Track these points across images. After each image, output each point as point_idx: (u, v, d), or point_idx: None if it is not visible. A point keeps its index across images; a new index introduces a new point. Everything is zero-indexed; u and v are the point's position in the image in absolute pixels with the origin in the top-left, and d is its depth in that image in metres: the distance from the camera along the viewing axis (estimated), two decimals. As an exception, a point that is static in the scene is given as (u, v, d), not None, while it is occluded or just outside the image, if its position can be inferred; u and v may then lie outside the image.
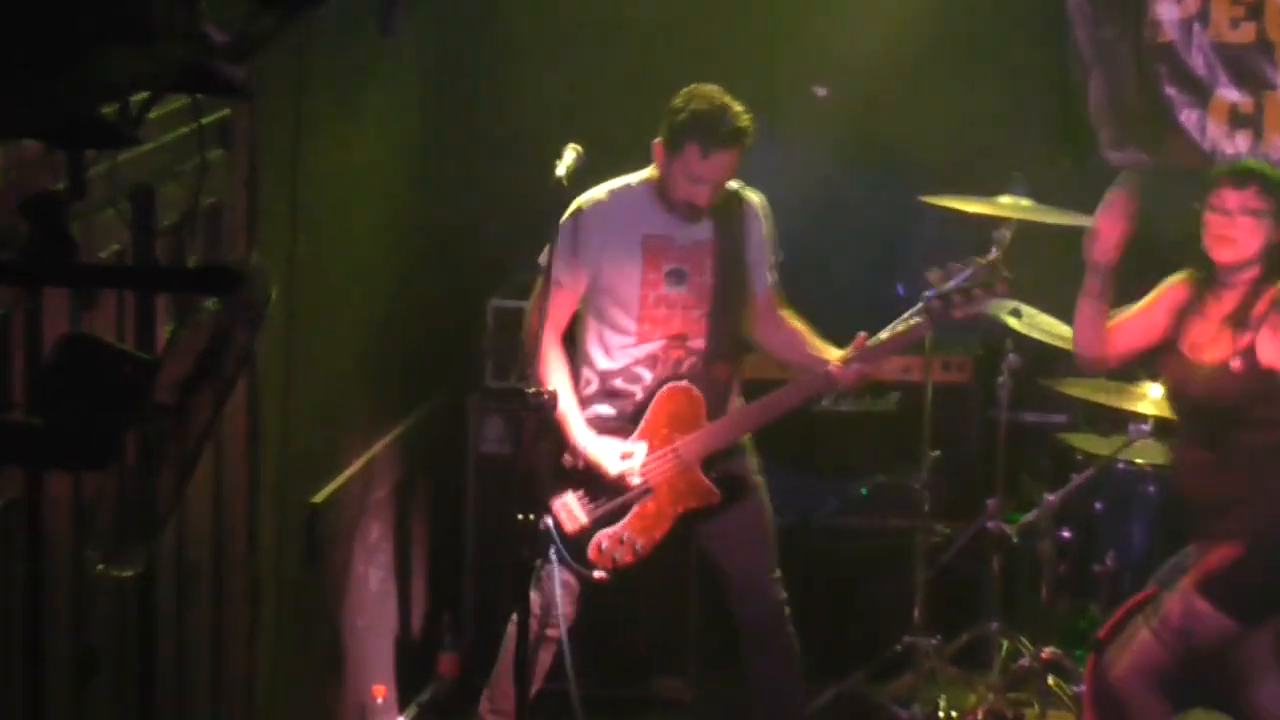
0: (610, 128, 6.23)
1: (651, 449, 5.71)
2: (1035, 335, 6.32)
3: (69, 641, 4.05)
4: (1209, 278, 5.51)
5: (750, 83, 5.83)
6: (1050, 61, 7.26)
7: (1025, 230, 6.02)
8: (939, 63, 7.15)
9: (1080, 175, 6.99)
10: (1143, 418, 6.26)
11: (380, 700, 6.18)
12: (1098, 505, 6.58)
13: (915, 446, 6.39)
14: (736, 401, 5.84)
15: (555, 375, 5.63)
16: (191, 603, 4.66)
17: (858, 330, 5.72)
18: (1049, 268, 6.04)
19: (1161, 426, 6.16)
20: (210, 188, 4.49)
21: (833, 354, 5.71)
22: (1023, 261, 5.85)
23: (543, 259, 5.45)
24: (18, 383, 3.73)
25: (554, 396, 5.29)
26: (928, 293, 5.70)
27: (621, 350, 5.74)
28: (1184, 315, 5.53)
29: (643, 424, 5.71)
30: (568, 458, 5.67)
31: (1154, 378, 6.00)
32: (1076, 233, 5.67)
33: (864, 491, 6.76)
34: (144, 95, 2.77)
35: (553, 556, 5.53)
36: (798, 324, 5.81)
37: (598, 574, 5.66)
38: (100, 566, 3.14)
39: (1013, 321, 6.30)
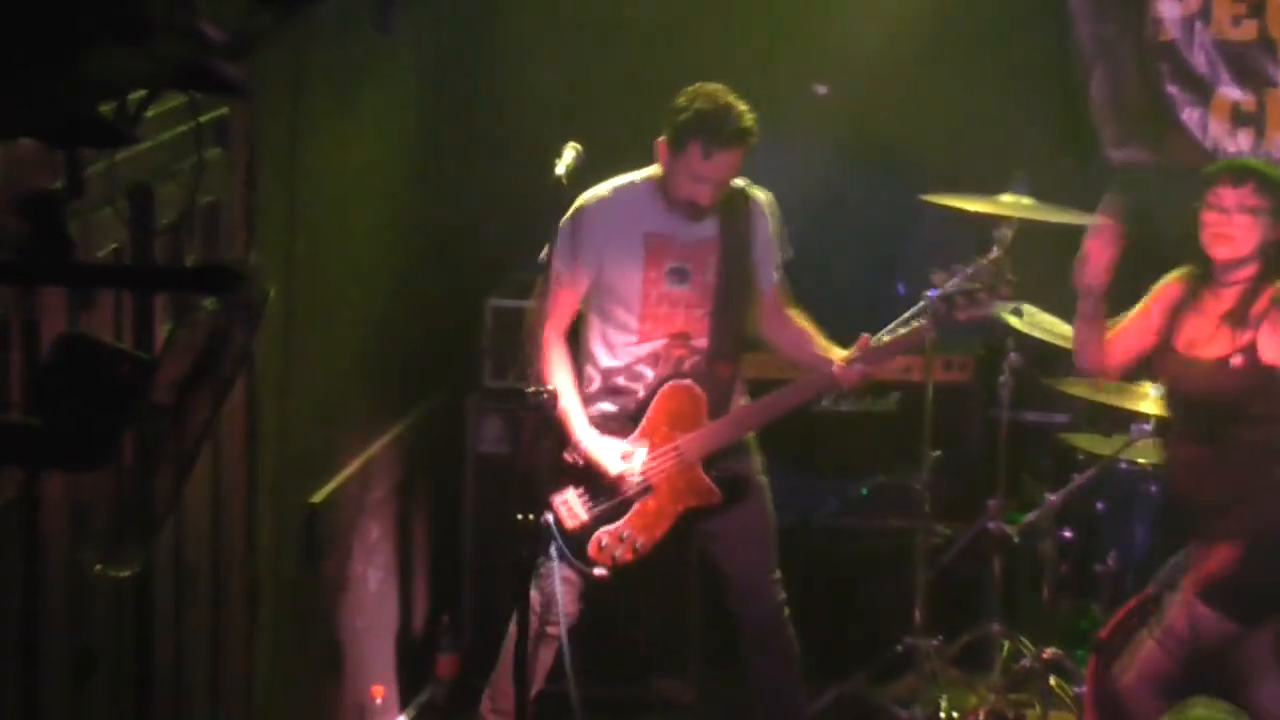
0: (610, 128, 6.22)
1: (653, 447, 5.70)
2: (1037, 334, 6.31)
3: (66, 642, 4.03)
4: (1206, 275, 5.53)
5: (750, 82, 5.81)
6: (1051, 60, 7.26)
7: (1027, 229, 6.01)
8: (939, 62, 7.14)
9: (1082, 174, 7.00)
10: (1145, 417, 6.25)
11: (379, 701, 6.17)
12: (1099, 505, 6.57)
13: (916, 446, 6.37)
14: (740, 400, 5.83)
15: (558, 373, 5.62)
16: (189, 603, 4.65)
17: (859, 330, 5.72)
18: (1051, 266, 6.02)
19: (1163, 426, 6.15)
20: (208, 186, 4.49)
21: (837, 354, 5.71)
22: (1024, 260, 5.85)
23: (543, 257, 5.44)
24: (15, 382, 3.71)
25: (554, 395, 5.28)
26: (930, 293, 5.70)
27: (624, 348, 5.74)
28: (1178, 312, 5.55)
29: (644, 422, 5.71)
30: (569, 455, 5.66)
31: (1154, 379, 5.99)
32: (1078, 231, 5.67)
33: (864, 492, 6.75)
34: (141, 94, 2.76)
35: (553, 553, 5.53)
36: (804, 323, 5.80)
37: (598, 571, 5.65)
38: (98, 567, 3.13)
39: (1014, 320, 6.29)
